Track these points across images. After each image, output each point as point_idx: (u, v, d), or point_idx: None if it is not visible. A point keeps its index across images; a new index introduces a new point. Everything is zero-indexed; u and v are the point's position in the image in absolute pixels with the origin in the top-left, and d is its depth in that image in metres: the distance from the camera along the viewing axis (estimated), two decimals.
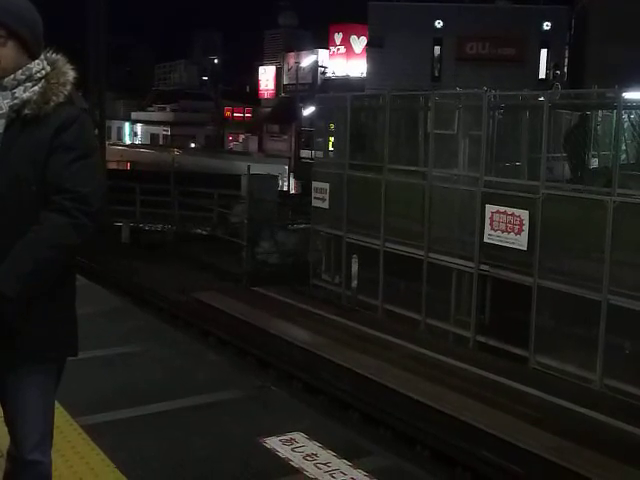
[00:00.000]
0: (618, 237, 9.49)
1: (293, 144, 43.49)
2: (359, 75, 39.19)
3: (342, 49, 46.04)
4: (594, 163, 13.23)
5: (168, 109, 73.37)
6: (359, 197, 14.03)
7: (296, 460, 4.43)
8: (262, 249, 17.20)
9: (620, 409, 9.02)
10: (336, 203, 14.39)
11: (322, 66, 48.14)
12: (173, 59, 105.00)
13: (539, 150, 10.90)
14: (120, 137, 72.50)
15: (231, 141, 62.75)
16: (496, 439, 8.37)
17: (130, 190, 23.60)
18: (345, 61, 45.80)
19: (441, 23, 29.17)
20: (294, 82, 50.17)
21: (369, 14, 30.21)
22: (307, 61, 50.40)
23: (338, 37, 46.19)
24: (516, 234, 10.67)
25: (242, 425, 5.00)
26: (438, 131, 12.49)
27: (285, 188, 33.42)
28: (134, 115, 76.15)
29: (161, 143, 66.81)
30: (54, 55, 2.74)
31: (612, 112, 11.58)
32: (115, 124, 71.15)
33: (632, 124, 10.91)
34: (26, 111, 2.60)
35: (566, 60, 30.42)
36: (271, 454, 4.53)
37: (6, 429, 2.81)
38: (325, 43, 48.31)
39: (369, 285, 13.52)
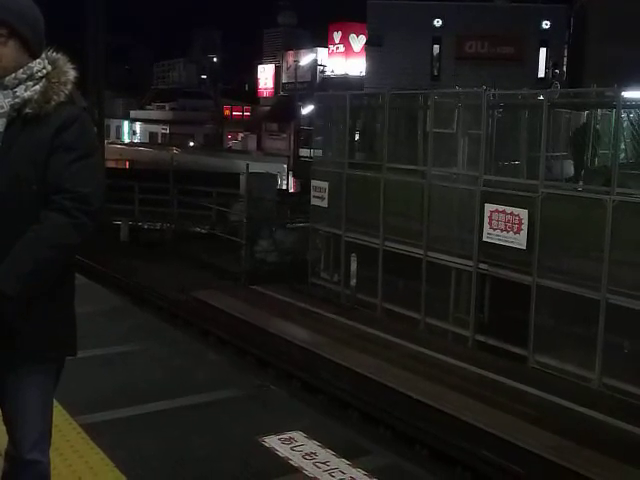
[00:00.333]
0: (617, 236, 9.49)
1: (292, 143, 43.40)
2: (358, 74, 39.11)
3: (341, 48, 45.95)
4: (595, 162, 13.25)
5: (167, 108, 73.26)
6: (358, 196, 14.03)
7: (295, 459, 4.42)
8: (261, 248, 17.20)
9: (619, 408, 9.03)
10: (335, 202, 14.39)
11: (321, 65, 48.06)
12: (172, 58, 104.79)
13: (538, 149, 10.91)
14: (119, 136, 72.37)
15: (230, 140, 62.68)
16: (495, 438, 8.38)
17: (129, 189, 23.60)
18: (344, 60, 45.70)
19: (440, 22, 29.12)
20: (293, 81, 50.12)
21: (368, 13, 30.15)
22: (306, 60, 50.31)
23: (337, 36, 46.09)
24: (515, 233, 10.68)
25: (241, 424, 5.00)
26: (437, 130, 12.50)
27: (284, 187, 33.37)
28: (133, 114, 76.02)
29: (160, 142, 66.69)
30: (55, 54, 2.73)
31: (611, 111, 11.60)
32: (114, 123, 71.02)
33: (631, 123, 10.92)
34: (27, 110, 2.60)
35: (565, 59, 30.37)
36: (270, 453, 4.52)
37: (4, 428, 2.81)
38: (324, 42, 48.19)
39: (368, 284, 13.52)
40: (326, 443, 4.64)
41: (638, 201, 9.75)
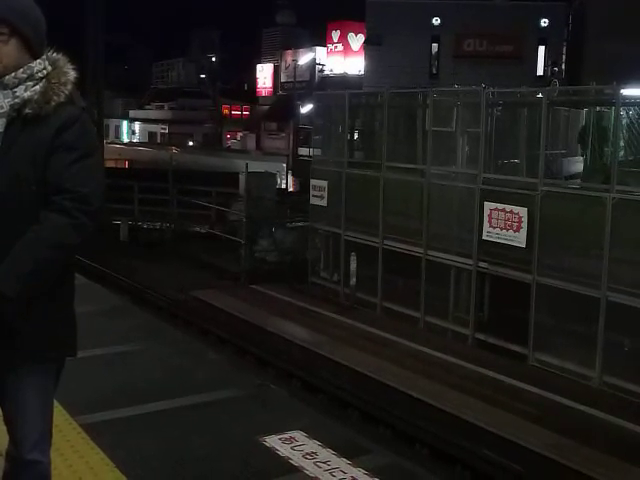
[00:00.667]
0: (617, 234, 9.49)
1: (291, 142, 43.36)
2: (357, 73, 39.08)
3: (340, 47, 45.91)
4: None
5: (166, 107, 73.22)
6: (357, 195, 14.03)
7: (295, 459, 4.42)
8: (260, 247, 17.20)
9: (619, 406, 9.03)
10: (334, 201, 14.39)
11: (320, 64, 48.02)
12: (171, 57, 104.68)
13: (537, 147, 10.90)
14: (118, 135, 72.32)
15: (229, 139, 62.66)
16: (496, 437, 8.38)
17: (128, 188, 23.59)
18: (343, 59, 45.66)
19: (439, 20, 29.10)
20: (292, 80, 50.08)
21: (366, 11, 30.12)
22: (305, 59, 50.28)
23: (336, 35, 46.05)
24: (515, 231, 10.67)
25: (241, 424, 4.99)
26: (436, 128, 12.50)
27: (283, 186, 33.33)
28: (132, 113, 75.98)
29: (159, 141, 66.68)
30: (55, 54, 2.73)
31: (610, 109, 11.59)
32: (113, 122, 70.99)
33: (630, 120, 10.91)
34: (27, 110, 2.59)
35: (564, 57, 30.35)
36: (270, 453, 4.52)
37: (5, 428, 2.81)
38: (323, 41, 48.17)
39: (368, 283, 13.52)
40: (326, 442, 4.64)
41: (638, 199, 9.74)
